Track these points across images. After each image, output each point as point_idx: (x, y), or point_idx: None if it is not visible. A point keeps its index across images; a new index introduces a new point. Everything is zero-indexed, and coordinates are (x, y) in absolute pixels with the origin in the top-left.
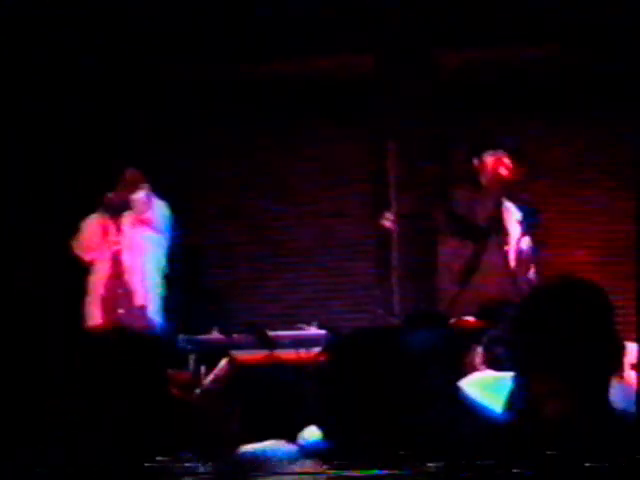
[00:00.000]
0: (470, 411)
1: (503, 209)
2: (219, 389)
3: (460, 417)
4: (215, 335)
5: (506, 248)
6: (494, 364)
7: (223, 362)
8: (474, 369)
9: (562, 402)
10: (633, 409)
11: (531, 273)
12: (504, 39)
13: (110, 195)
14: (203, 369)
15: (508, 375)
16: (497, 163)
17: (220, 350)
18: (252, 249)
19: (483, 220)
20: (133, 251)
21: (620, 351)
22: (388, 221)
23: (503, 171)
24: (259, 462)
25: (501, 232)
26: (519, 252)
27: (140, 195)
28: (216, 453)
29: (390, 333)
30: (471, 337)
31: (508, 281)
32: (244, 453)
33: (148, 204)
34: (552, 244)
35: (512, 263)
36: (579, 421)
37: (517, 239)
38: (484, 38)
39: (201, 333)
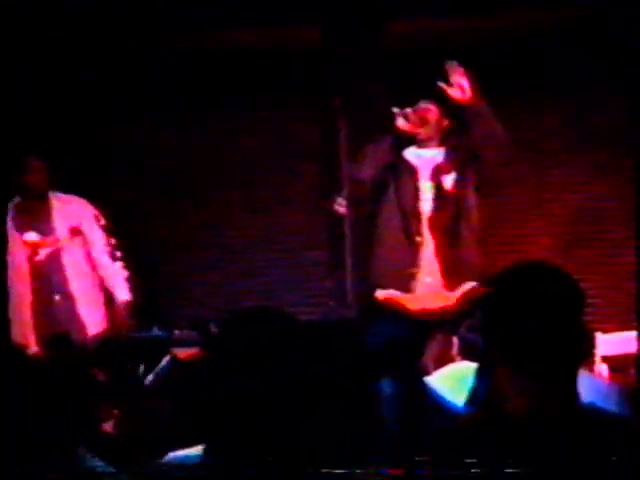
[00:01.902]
0: (433, 407)
1: (402, 159)
2: (159, 388)
3: (421, 416)
4: (155, 332)
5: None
6: (470, 354)
7: (164, 360)
8: (448, 360)
9: (526, 398)
10: (604, 403)
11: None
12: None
13: (24, 182)
14: (142, 368)
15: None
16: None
17: (161, 348)
18: (194, 240)
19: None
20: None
21: (589, 343)
22: (340, 206)
23: (399, 122)
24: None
25: (398, 186)
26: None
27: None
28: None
29: (343, 327)
30: (435, 325)
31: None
32: (169, 459)
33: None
34: (513, 224)
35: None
36: (544, 418)
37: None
38: (437, 6)
39: (140, 330)
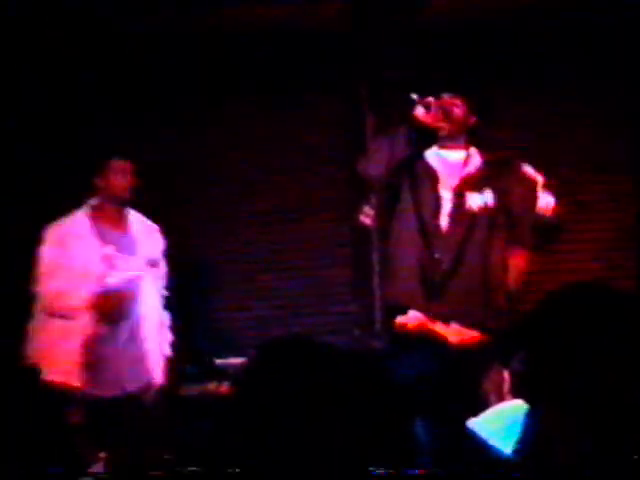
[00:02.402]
0: (475, 453)
1: (421, 160)
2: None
3: (460, 463)
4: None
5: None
6: (523, 392)
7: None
8: (499, 398)
9: (577, 444)
10: None
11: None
12: None
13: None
14: None
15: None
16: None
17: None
18: (197, 259)
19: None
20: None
21: None
22: (367, 217)
23: (419, 111)
24: None
25: (416, 193)
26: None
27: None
28: None
29: (370, 359)
30: (480, 357)
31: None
32: None
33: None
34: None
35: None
36: (599, 470)
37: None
38: None
39: None
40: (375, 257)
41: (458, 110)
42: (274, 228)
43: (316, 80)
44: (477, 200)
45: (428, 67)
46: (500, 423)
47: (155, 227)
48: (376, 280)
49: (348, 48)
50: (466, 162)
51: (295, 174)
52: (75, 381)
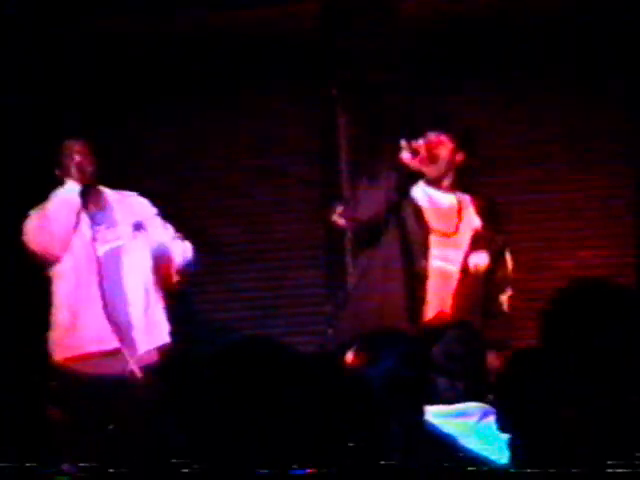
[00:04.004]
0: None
1: (408, 198)
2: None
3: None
4: None
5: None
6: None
7: None
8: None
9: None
10: None
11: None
12: None
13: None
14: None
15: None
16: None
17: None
18: None
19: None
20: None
21: None
22: (341, 217)
23: (405, 155)
24: None
25: (405, 231)
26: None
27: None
28: None
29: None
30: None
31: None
32: None
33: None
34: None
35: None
36: None
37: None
38: None
39: None
40: (349, 258)
41: (444, 150)
42: (247, 228)
43: (288, 81)
44: (476, 259)
45: (401, 67)
46: (463, 422)
47: (132, 194)
48: (350, 281)
49: (320, 49)
50: (459, 210)
51: (268, 174)
52: (110, 344)
